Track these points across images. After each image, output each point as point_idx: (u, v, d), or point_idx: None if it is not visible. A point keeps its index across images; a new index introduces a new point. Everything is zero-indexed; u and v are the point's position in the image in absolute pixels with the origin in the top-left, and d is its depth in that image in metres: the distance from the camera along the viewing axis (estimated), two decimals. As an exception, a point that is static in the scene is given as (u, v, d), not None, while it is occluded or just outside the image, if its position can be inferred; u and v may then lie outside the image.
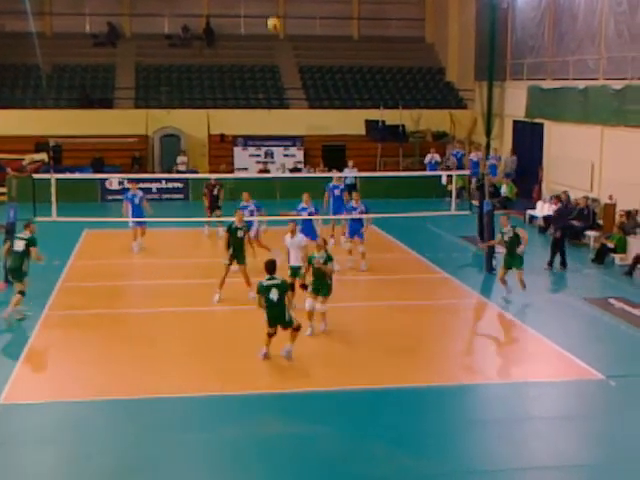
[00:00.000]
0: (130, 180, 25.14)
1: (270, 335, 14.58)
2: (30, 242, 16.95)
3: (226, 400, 13.01)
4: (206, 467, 10.92)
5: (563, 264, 21.87)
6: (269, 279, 14.43)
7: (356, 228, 21.36)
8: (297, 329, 14.67)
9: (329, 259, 16.02)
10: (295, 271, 17.30)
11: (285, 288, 14.50)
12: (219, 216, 24.70)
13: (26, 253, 16.88)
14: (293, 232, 17.49)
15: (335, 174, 26.75)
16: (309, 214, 21.12)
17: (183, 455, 11.08)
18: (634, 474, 10.89)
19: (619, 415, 12.70)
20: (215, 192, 25.40)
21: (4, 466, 10.87)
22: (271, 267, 14.57)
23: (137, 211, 23.31)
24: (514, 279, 18.64)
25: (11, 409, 12.63)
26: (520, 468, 10.98)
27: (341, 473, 10.73)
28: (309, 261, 16.13)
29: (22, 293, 16.84)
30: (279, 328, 14.55)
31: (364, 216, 21.18)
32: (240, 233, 18.45)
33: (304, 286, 16.61)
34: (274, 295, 14.31)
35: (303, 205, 21.32)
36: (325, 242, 16.84)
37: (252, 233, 20.44)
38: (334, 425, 12.06)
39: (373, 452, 11.20)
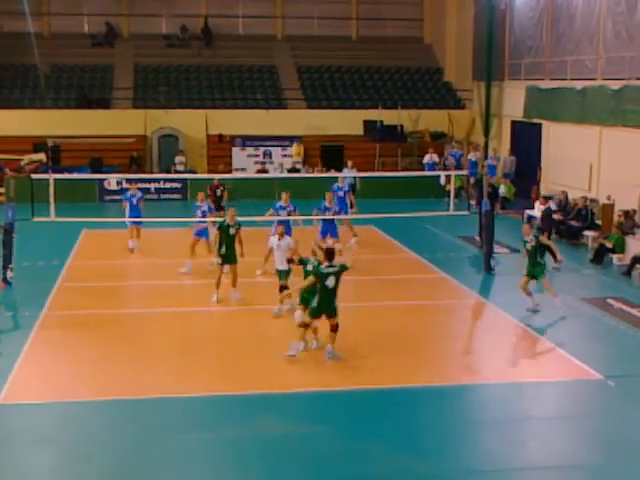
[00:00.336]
0: (129, 180, 25.12)
1: (306, 327, 14.71)
2: None
3: (226, 400, 13.01)
4: (206, 467, 10.91)
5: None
6: (328, 266, 14.57)
7: (328, 228, 21.54)
8: (336, 329, 14.71)
9: (342, 269, 14.67)
10: (282, 274, 17.18)
11: (340, 276, 14.68)
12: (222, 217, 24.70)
13: None
14: (282, 234, 17.39)
15: (334, 174, 26.74)
16: (288, 213, 21.07)
17: (183, 455, 11.09)
18: (633, 474, 10.90)
19: (618, 415, 12.71)
20: (218, 193, 25.46)
21: (3, 466, 10.86)
22: (331, 255, 14.73)
23: (134, 211, 23.30)
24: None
25: (10, 409, 12.63)
26: (519, 468, 11.00)
27: (341, 473, 10.74)
28: (317, 273, 14.60)
29: None
30: (321, 319, 14.70)
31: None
32: (232, 231, 18.35)
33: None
34: (330, 282, 14.48)
35: (282, 204, 21.26)
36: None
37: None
38: (333, 425, 12.07)
39: (372, 452, 11.21)
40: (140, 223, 23.26)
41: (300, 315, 15.05)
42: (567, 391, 13.81)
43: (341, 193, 24.11)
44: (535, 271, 18.03)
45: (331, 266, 14.44)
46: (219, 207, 25.07)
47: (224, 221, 18.45)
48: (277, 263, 17.40)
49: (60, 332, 16.37)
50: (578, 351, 15.23)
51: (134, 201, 23.32)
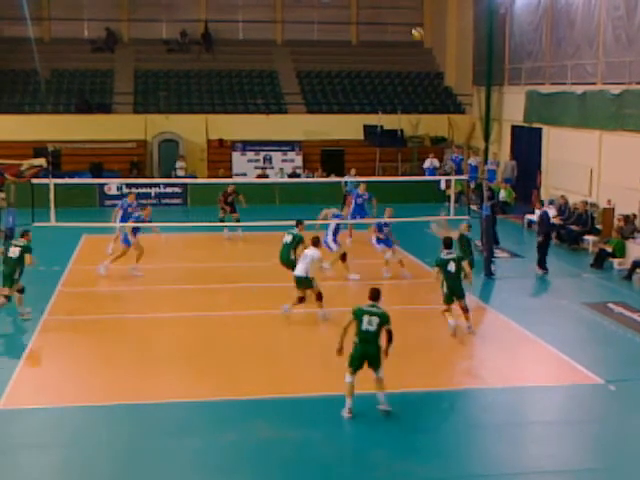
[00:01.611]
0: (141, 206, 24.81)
1: (449, 310, 16.17)
2: (25, 249, 17.08)
3: (225, 405, 12.99)
4: (206, 472, 10.90)
5: (543, 267, 21.80)
6: (448, 253, 16.18)
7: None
8: (467, 309, 16.36)
9: (384, 319, 12.53)
10: (299, 281, 17.05)
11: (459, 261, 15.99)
12: (237, 219, 25.40)
13: (21, 260, 17.01)
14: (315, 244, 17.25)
15: (334, 179, 26.87)
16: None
17: (183, 460, 11.08)
18: (633, 479, 10.89)
19: (618, 420, 12.70)
20: (229, 200, 25.60)
21: (3, 471, 10.85)
22: (448, 243, 16.31)
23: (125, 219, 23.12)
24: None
25: (10, 414, 12.61)
26: (520, 473, 10.98)
27: (341, 478, 10.73)
28: (355, 313, 12.53)
29: (21, 291, 17.18)
30: (455, 303, 15.92)
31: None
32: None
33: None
34: (452, 267, 15.97)
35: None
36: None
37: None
38: (332, 430, 12.06)
39: (373, 457, 11.20)
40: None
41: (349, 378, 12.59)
42: (568, 395, 13.79)
43: (359, 200, 24.82)
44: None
45: (450, 253, 14.79)
46: (232, 211, 25.62)
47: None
48: (297, 269, 17.16)
49: (60, 337, 16.36)
50: (579, 355, 15.22)
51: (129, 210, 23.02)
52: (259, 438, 11.75)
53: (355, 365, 12.32)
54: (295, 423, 12.33)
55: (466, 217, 23.44)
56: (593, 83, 28.01)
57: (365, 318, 12.28)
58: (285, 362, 15.00)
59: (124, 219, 22.82)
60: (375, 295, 12.66)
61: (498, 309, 18.45)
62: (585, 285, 21.23)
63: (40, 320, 17.17)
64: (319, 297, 17.15)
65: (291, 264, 17.84)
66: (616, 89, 26.04)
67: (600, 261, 22.55)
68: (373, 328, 12.29)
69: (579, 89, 28.47)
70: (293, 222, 19.91)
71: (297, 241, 18.11)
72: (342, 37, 42.85)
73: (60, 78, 39.45)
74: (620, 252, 22.54)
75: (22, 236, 17.54)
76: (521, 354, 15.93)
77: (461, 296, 16.33)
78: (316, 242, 17.29)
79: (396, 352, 15.37)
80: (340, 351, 12.46)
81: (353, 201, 24.99)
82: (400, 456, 11.22)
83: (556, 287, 21.14)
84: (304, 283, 16.99)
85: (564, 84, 29.85)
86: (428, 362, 15.17)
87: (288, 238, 18.31)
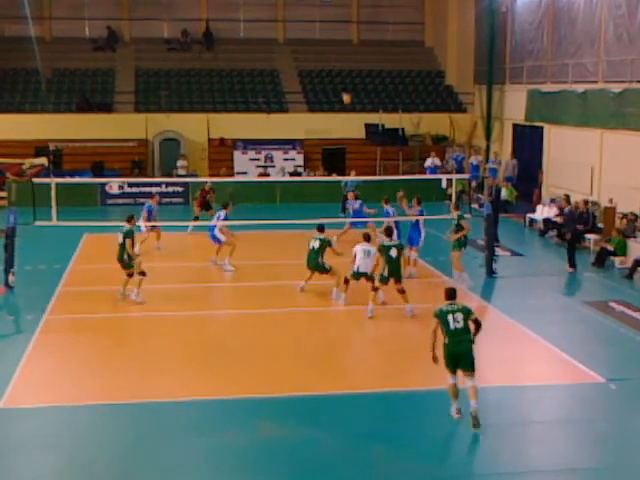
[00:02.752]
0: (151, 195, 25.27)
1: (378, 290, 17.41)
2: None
3: (227, 404, 13.00)
4: (208, 471, 10.91)
5: (573, 266, 21.91)
6: (390, 240, 17.60)
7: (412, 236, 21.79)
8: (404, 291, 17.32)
9: (468, 313, 12.41)
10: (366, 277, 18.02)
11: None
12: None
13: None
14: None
15: (336, 178, 26.92)
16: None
17: (185, 459, 11.08)
18: (635, 477, 10.89)
19: (620, 418, 12.68)
20: (207, 198, 26.03)
21: (4, 471, 10.85)
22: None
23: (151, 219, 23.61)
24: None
25: (11, 413, 12.62)
26: (520, 472, 10.98)
27: (342, 477, 10.73)
28: (438, 315, 12.41)
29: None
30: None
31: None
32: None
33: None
34: (394, 253, 17.30)
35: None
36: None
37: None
38: (335, 429, 12.05)
39: (374, 456, 11.20)
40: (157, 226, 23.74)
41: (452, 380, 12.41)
42: (569, 394, 13.79)
43: (357, 206, 24.85)
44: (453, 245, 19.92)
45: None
46: (208, 208, 26.08)
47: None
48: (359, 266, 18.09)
49: (62, 336, 16.37)
50: (580, 354, 15.21)
51: (153, 212, 23.60)
52: (261, 437, 11.75)
53: (450, 365, 12.20)
54: (296, 422, 12.31)
55: (468, 216, 23.43)
56: (594, 82, 28.01)
57: (449, 317, 12.25)
58: (286, 361, 14.99)
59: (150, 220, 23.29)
60: (452, 294, 12.58)
61: (499, 308, 18.44)
62: (586, 284, 21.23)
63: (41, 319, 17.17)
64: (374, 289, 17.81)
65: (320, 268, 18.79)
66: (617, 88, 26.04)
67: (601, 260, 22.54)
68: (460, 325, 12.23)
69: (580, 88, 28.47)
70: (292, 222, 20.01)
71: (324, 245, 18.93)
72: (343, 36, 42.83)
73: (61, 77, 39.47)
74: (621, 251, 22.53)
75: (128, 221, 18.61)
76: (522, 353, 15.92)
77: (399, 279, 17.32)
78: (367, 238, 18.47)
79: (396, 351, 15.44)
80: (435, 359, 12.37)
81: (350, 209, 25.05)
82: (401, 455, 11.21)
83: (557, 286, 21.14)
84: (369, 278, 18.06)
85: (565, 83, 29.85)
86: (429, 361, 15.11)
87: (315, 244, 18.93)
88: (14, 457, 11.28)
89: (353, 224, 23.90)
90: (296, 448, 11.43)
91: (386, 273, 17.38)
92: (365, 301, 17.68)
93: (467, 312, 12.33)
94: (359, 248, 18.13)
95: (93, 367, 14.57)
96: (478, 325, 12.38)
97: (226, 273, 21.23)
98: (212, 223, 21.94)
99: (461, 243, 20.10)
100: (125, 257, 18.30)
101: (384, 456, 11.17)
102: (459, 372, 12.20)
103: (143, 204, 24.10)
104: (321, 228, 19.35)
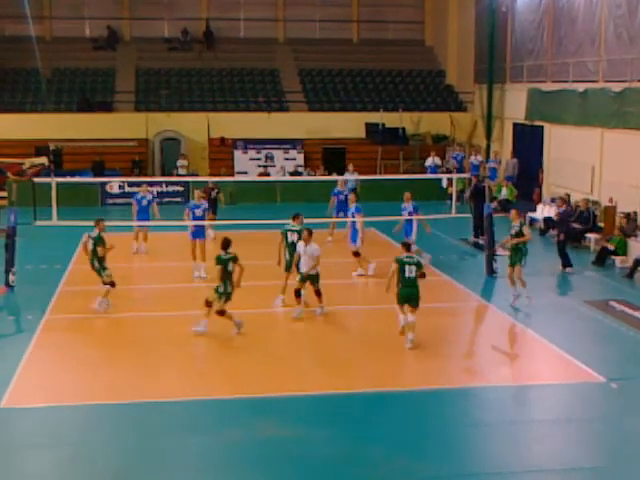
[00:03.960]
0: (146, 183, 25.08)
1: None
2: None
3: (227, 403, 13.01)
4: (208, 470, 10.92)
5: (569, 265, 21.88)
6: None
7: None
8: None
9: (419, 267, 15.59)
10: (305, 277, 17.28)
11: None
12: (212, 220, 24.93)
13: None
14: (306, 241, 17.27)
15: (336, 177, 26.86)
16: (409, 213, 21.85)
17: (185, 458, 11.09)
18: (635, 477, 10.89)
19: (620, 418, 12.69)
20: (213, 195, 25.55)
21: (6, 470, 10.86)
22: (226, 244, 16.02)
23: (142, 214, 23.27)
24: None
25: (12, 413, 12.63)
26: (521, 471, 10.98)
27: (342, 476, 10.73)
28: (398, 262, 15.38)
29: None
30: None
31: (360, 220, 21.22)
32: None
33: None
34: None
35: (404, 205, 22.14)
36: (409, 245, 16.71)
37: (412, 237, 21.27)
38: (334, 428, 12.07)
39: (374, 455, 11.20)
40: (147, 226, 23.28)
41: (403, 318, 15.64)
42: (569, 394, 13.79)
43: (341, 197, 24.53)
44: (513, 259, 18.59)
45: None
46: (214, 210, 25.32)
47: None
48: (301, 266, 17.32)
49: (62, 336, 16.38)
50: (580, 354, 15.21)
51: (144, 203, 23.32)
52: (261, 436, 11.75)
53: (401, 302, 15.38)
54: (296, 421, 12.32)
55: (468, 215, 23.46)
56: (595, 81, 28.00)
57: (406, 267, 15.22)
58: (286, 361, 14.99)
59: (141, 216, 23.03)
60: (408, 247, 15.99)
61: (500, 307, 18.45)
62: (587, 283, 21.23)
63: (42, 319, 17.18)
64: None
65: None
66: (617, 87, 26.04)
67: (602, 259, 22.55)
68: (413, 275, 15.27)
69: (580, 87, 28.46)
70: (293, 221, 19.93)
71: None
72: (343, 35, 42.81)
73: (61, 77, 39.47)
74: (622, 250, 22.54)
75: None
76: (522, 352, 15.95)
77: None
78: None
79: (396, 350, 15.44)
80: (387, 289, 15.50)
81: (335, 199, 24.78)
82: (401, 454, 11.21)
83: (558, 285, 21.16)
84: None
85: (566, 82, 29.85)
86: (429, 360, 15.16)
87: (294, 237, 18.54)
88: (15, 456, 11.28)
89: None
90: (296, 448, 11.43)
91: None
92: (363, 301, 17.69)
93: (419, 266, 15.55)
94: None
95: (93, 367, 14.57)
96: (423, 275, 15.90)
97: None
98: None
99: (523, 256, 18.60)
100: (96, 264, 17.72)
101: (383, 455, 11.18)
102: (406, 307, 15.25)
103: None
104: (296, 216, 18.52)
